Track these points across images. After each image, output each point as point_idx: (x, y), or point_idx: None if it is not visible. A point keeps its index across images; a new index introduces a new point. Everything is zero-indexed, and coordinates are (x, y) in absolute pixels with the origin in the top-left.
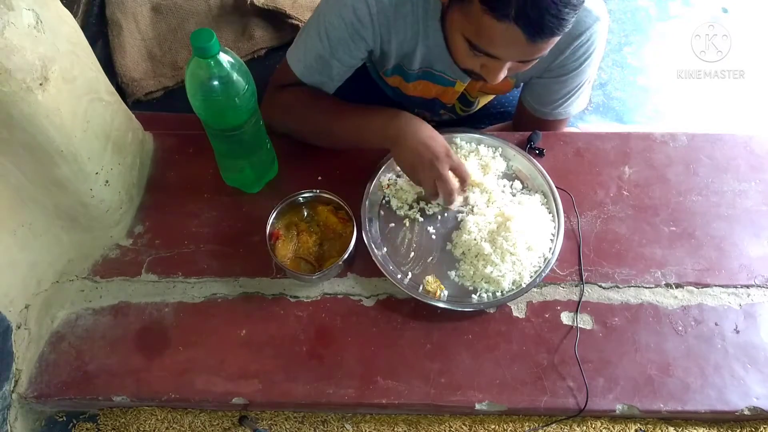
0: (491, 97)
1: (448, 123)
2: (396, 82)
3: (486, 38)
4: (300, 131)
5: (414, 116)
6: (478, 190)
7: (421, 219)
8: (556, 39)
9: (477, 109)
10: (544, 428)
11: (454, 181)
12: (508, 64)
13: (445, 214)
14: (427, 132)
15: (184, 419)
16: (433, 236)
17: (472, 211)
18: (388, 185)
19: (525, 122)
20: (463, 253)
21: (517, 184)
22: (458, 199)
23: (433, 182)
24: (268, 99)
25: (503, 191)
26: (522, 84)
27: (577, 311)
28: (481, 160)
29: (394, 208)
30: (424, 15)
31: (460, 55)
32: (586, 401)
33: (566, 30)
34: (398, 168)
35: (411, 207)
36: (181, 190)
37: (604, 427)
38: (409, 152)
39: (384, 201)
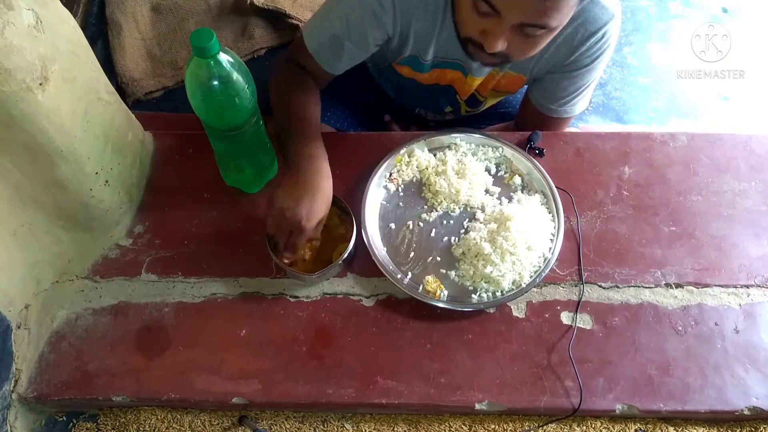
0: (500, 97)
1: (450, 123)
2: (407, 72)
3: None
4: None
5: (319, 167)
6: (481, 188)
7: (421, 220)
8: (565, 4)
9: (482, 110)
10: (543, 428)
11: (291, 243)
12: (510, 31)
13: (450, 220)
14: (314, 186)
15: (184, 419)
16: (433, 236)
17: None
18: (393, 177)
19: (529, 120)
20: (463, 253)
21: (517, 183)
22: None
23: (276, 226)
24: (275, 70)
25: (501, 192)
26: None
27: (576, 311)
28: (484, 161)
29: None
30: (444, 6)
31: (463, 17)
32: (580, 401)
33: None
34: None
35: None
36: (181, 190)
37: (604, 427)
38: (284, 189)
39: (384, 201)
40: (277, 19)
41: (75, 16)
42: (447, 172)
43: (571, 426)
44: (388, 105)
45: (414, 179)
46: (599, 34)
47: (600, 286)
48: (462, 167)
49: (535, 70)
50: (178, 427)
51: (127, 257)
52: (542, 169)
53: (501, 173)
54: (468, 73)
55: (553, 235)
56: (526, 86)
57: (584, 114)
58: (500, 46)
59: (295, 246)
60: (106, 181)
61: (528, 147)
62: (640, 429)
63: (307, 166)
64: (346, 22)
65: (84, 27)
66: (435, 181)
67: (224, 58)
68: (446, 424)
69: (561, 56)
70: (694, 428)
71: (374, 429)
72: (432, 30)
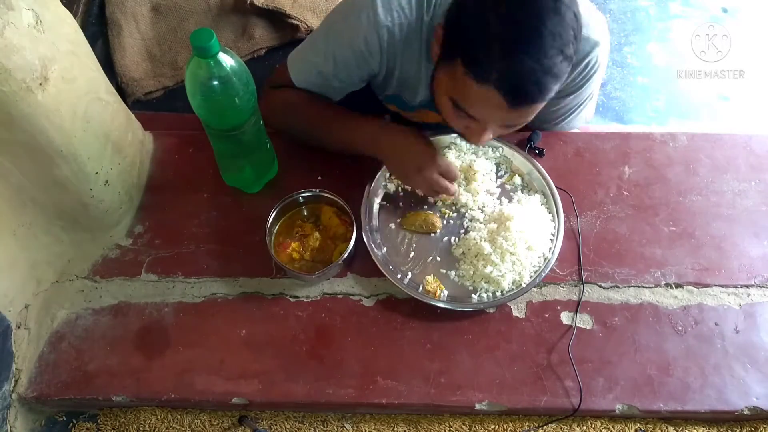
0: None
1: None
2: (394, 108)
3: (468, 100)
4: (295, 130)
5: (401, 127)
6: (482, 191)
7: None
8: (540, 106)
9: None
10: (543, 428)
11: (445, 182)
12: (491, 129)
13: (450, 220)
14: (413, 141)
15: (184, 419)
16: (433, 236)
17: (472, 213)
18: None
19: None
20: (463, 253)
21: (517, 183)
22: (460, 190)
23: (427, 187)
24: (265, 97)
25: (501, 192)
26: None
27: (576, 311)
28: (485, 160)
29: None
30: (427, 57)
31: (446, 115)
32: (580, 401)
33: (549, 97)
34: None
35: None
36: (181, 190)
37: (604, 427)
38: (397, 164)
39: (384, 201)
40: (277, 19)
41: (75, 16)
42: None
43: (571, 426)
44: (384, 113)
45: None
46: (583, 65)
47: (600, 286)
48: (472, 173)
49: None
50: (178, 427)
51: (127, 257)
52: (542, 169)
53: (501, 173)
54: None
55: (553, 235)
56: None
57: None
58: (485, 139)
59: (446, 187)
60: (106, 181)
61: (528, 147)
62: (640, 429)
63: (380, 138)
64: (334, 63)
65: (84, 27)
66: None
67: (224, 58)
68: (446, 424)
69: None
70: (694, 428)
71: (374, 429)
72: (417, 78)
